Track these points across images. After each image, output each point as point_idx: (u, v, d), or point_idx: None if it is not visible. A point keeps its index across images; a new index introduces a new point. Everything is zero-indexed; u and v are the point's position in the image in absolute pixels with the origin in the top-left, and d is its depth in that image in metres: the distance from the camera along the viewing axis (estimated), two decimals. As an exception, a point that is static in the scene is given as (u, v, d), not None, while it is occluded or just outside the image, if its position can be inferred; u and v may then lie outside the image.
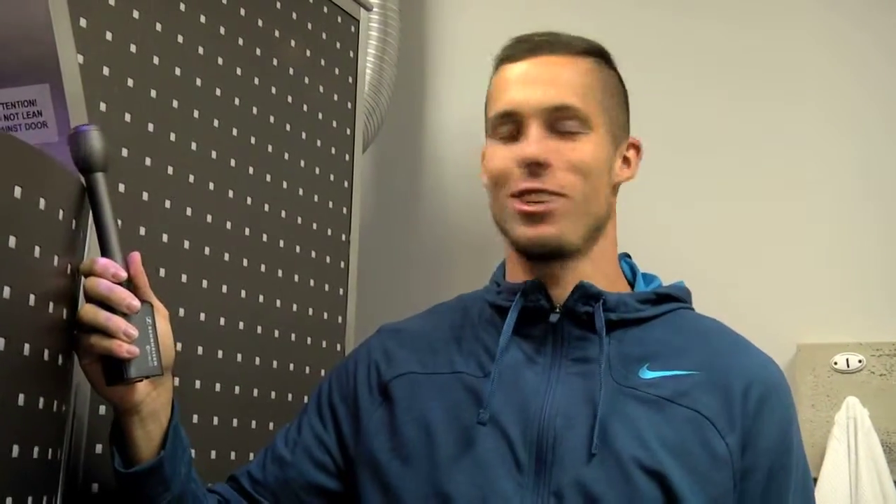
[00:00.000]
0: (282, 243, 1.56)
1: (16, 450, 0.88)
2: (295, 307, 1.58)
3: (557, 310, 1.16)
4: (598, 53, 1.22)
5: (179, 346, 1.31)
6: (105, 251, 1.03)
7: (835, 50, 2.15)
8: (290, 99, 1.59)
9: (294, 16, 1.62)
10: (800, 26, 2.18)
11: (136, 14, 1.28)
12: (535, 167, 1.15)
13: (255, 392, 1.46)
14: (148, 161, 1.28)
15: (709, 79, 2.24)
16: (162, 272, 1.29)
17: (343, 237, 1.74)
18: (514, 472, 1.10)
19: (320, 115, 1.69)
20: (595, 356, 1.14)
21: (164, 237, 1.30)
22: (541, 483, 1.09)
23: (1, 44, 1.14)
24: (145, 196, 1.27)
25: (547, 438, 1.11)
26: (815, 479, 1.91)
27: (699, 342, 1.19)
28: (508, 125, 1.18)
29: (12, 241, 0.88)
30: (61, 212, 0.97)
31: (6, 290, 0.87)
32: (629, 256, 1.29)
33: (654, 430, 1.10)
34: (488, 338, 1.19)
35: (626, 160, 1.23)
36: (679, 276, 1.26)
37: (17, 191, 0.88)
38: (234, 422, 1.42)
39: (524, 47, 1.20)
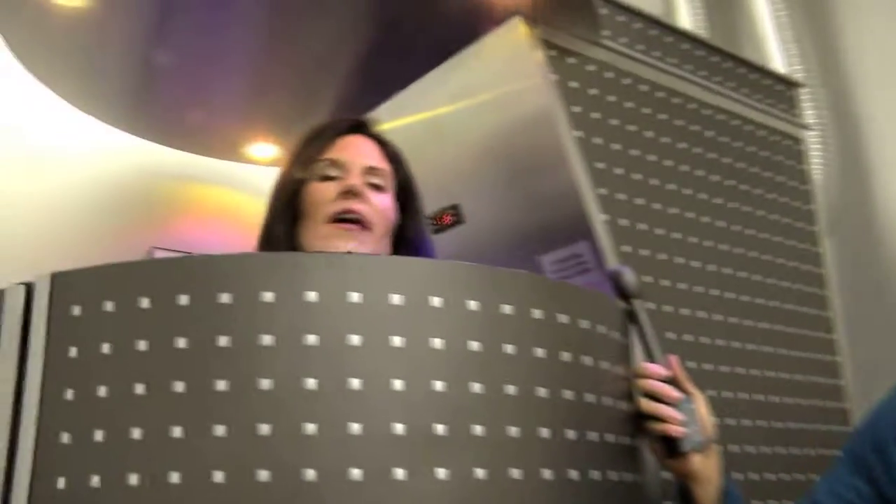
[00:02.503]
0: (772, 326, 1.51)
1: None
2: (799, 377, 1.51)
3: None
4: None
5: (715, 419, 1.31)
6: (649, 357, 1.06)
7: None
8: (750, 209, 1.57)
9: (747, 148, 1.60)
10: None
11: (638, 176, 1.35)
12: None
13: (782, 451, 1.41)
14: (665, 282, 1.32)
15: None
16: (691, 364, 1.30)
17: (819, 313, 1.64)
18: None
19: (777, 217, 1.63)
20: None
21: (688, 337, 1.32)
22: None
23: (551, 216, 1.25)
24: (669, 308, 1.31)
25: None
26: None
27: None
28: None
29: (588, 359, 0.94)
30: (616, 333, 1.02)
31: (589, 396, 0.92)
32: None
33: None
34: None
35: None
36: None
37: (586, 323, 0.94)
38: (773, 477, 1.37)
39: None
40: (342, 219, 1.13)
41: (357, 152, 1.18)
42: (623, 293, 1.07)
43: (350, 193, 1.13)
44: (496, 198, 1.41)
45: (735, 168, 1.56)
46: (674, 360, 1.07)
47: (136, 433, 0.72)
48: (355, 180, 1.14)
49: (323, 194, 1.14)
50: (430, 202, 1.50)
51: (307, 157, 1.16)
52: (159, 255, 1.95)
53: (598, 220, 1.24)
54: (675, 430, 1.01)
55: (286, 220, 1.14)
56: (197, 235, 2.06)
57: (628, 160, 1.35)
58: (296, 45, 1.56)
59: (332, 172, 1.15)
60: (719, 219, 1.49)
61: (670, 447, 1.03)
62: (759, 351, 1.45)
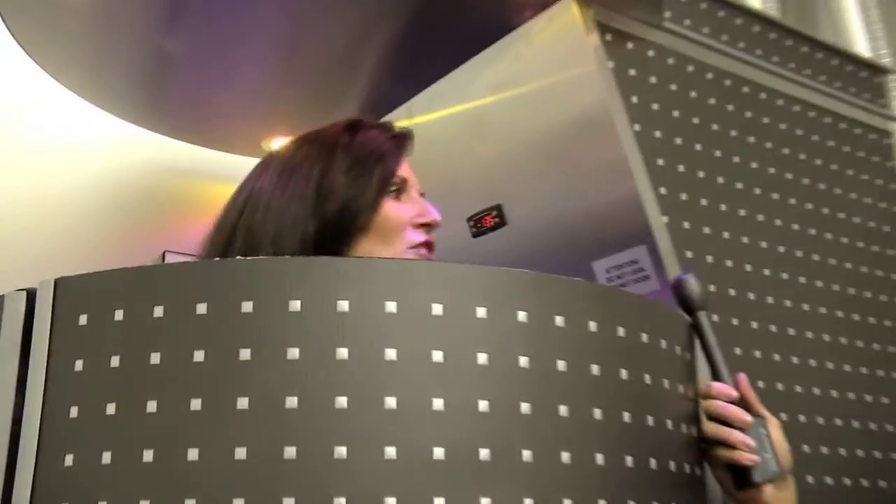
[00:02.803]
0: (853, 342, 1.48)
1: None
2: (885, 400, 1.48)
3: None
4: None
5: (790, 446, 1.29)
6: (716, 375, 1.05)
7: None
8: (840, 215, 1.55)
9: (826, 142, 1.58)
10: None
11: (701, 174, 1.33)
12: None
13: (865, 483, 1.38)
14: (732, 292, 1.30)
15: None
16: (760, 384, 1.28)
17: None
18: None
19: (859, 220, 1.61)
20: None
21: (757, 353, 1.30)
22: None
23: (607, 218, 1.24)
24: (736, 321, 1.29)
25: None
26: None
27: None
28: None
29: (648, 377, 0.92)
30: (679, 348, 1.00)
31: (650, 419, 0.91)
32: None
33: None
34: None
35: None
36: None
37: (647, 336, 0.93)
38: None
39: None
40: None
41: (413, 175, 1.20)
42: (686, 304, 1.06)
43: (431, 227, 1.17)
44: (543, 197, 1.40)
45: (812, 165, 1.54)
46: (743, 378, 1.05)
47: (148, 455, 0.72)
48: (436, 214, 1.17)
49: (402, 217, 1.15)
50: (470, 202, 1.50)
51: (384, 171, 1.16)
52: (172, 259, 1.97)
53: (658, 222, 1.23)
54: (745, 457, 1.00)
55: (343, 232, 1.12)
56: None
57: (691, 156, 1.34)
58: (320, 33, 1.56)
59: (399, 191, 1.17)
60: (793, 221, 1.47)
61: (740, 477, 1.01)
62: (838, 370, 1.43)
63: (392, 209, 1.15)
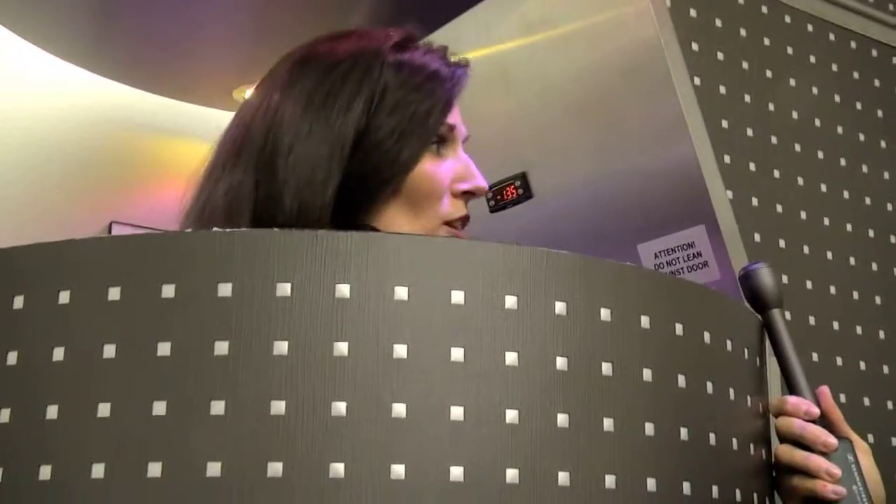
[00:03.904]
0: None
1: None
2: None
3: None
4: None
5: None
6: (792, 388, 1.05)
7: None
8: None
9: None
10: None
11: (774, 140, 1.33)
12: None
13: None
14: (809, 284, 1.31)
15: None
16: (842, 398, 1.29)
17: None
18: None
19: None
20: None
21: (839, 360, 1.30)
22: None
23: (656, 191, 1.24)
24: (812, 320, 1.29)
25: None
26: None
27: None
28: None
29: (711, 386, 0.92)
30: (748, 352, 1.00)
31: (711, 437, 0.91)
32: None
33: None
34: None
35: None
36: None
37: (710, 336, 0.93)
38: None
39: None
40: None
41: (460, 118, 1.11)
42: (757, 299, 1.06)
43: (473, 196, 1.10)
44: (579, 165, 1.40)
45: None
46: (826, 392, 1.05)
47: (98, 470, 0.71)
48: (482, 179, 1.10)
49: (441, 180, 1.08)
50: (488, 170, 1.49)
51: (435, 117, 1.07)
52: (120, 231, 1.96)
53: (721, 197, 1.23)
54: (829, 489, 1.00)
55: (369, 195, 1.04)
56: (172, 206, 2.07)
57: (763, 118, 1.34)
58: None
59: (441, 142, 1.09)
60: (888, 199, 1.47)
61: (820, 512, 1.02)
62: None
63: (429, 169, 1.07)
